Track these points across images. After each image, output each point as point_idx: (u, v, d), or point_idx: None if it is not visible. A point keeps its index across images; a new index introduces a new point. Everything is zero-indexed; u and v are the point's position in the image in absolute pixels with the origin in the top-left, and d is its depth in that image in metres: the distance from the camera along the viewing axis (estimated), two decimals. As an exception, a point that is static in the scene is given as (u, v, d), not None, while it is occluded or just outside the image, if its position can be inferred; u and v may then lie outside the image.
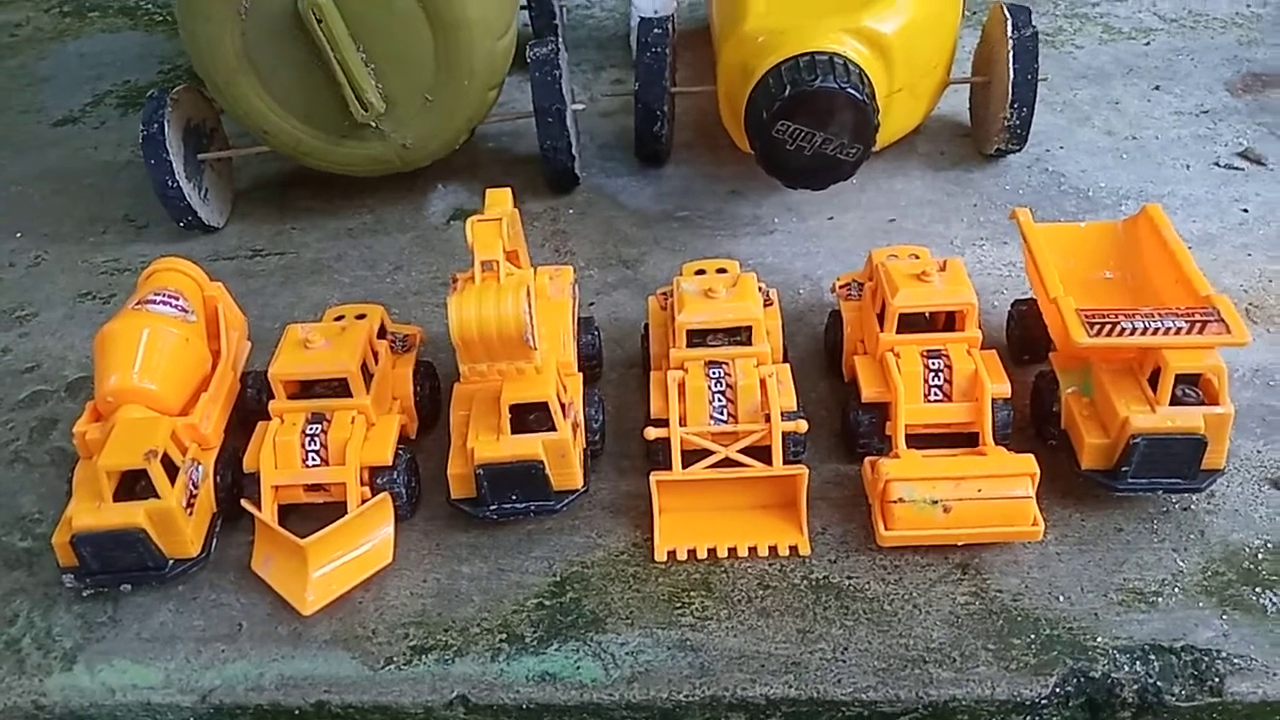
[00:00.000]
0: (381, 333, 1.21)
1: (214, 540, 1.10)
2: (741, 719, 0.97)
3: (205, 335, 1.20)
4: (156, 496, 1.03)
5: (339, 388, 1.13)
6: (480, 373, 1.11)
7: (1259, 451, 1.14)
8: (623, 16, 2.10)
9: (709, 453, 1.09)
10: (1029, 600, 1.01)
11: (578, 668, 0.99)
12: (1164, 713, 0.95)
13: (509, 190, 1.18)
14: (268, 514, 1.08)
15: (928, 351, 1.12)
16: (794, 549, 1.07)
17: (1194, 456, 1.04)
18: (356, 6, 1.34)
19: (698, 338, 1.15)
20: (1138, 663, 0.96)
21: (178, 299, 1.18)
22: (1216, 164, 1.58)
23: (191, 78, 1.67)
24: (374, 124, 1.44)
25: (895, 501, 1.03)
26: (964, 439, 1.11)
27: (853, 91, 1.29)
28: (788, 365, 1.16)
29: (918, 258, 1.21)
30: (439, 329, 1.30)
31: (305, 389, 1.14)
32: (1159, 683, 0.95)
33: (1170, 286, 1.13)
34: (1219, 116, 1.69)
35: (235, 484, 1.13)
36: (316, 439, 1.09)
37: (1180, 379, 1.03)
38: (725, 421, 1.10)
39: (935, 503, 1.03)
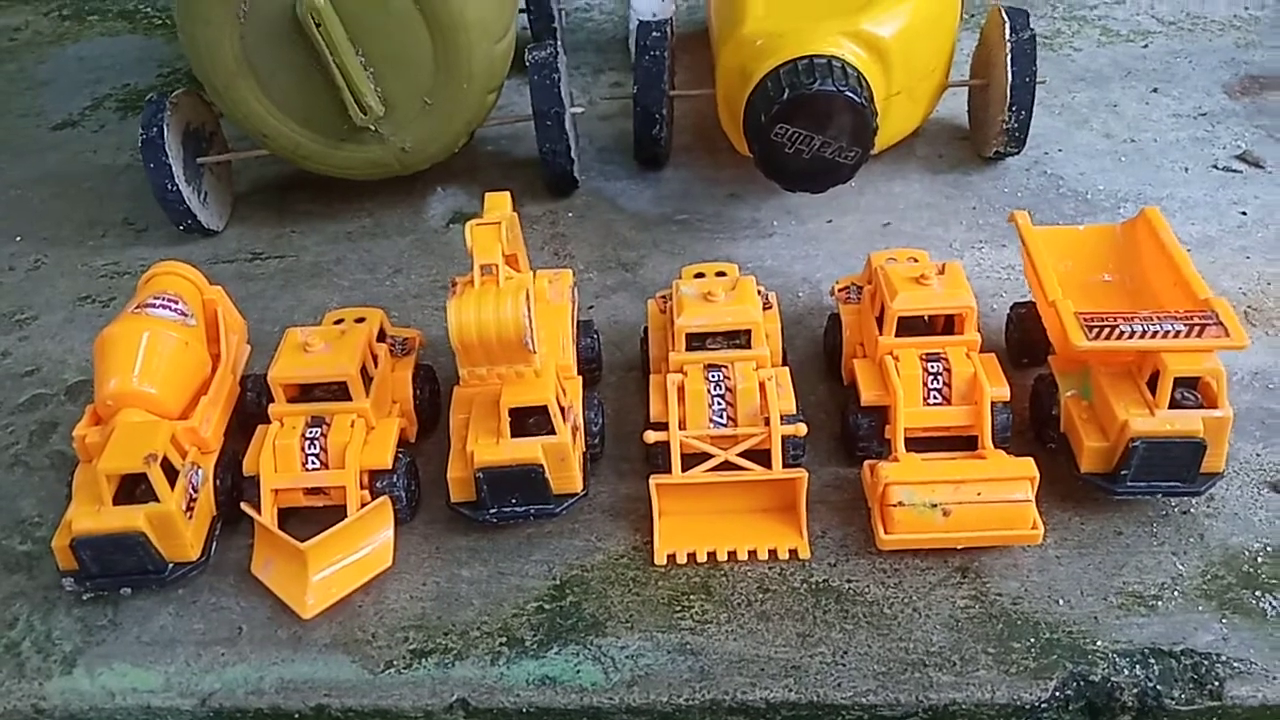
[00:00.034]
0: (381, 336, 1.21)
1: (214, 544, 1.10)
2: (741, 722, 0.97)
3: (205, 339, 1.20)
4: (156, 500, 1.03)
5: (339, 391, 1.13)
6: (480, 376, 1.11)
7: (1258, 455, 1.14)
8: (621, 19, 2.10)
9: (708, 456, 1.09)
10: (1029, 604, 1.01)
11: (578, 671, 0.99)
12: (1164, 717, 0.95)
13: (508, 194, 1.18)
14: (267, 517, 1.08)
15: (927, 355, 1.12)
16: (794, 552, 1.07)
17: (1193, 460, 1.04)
18: (355, 10, 1.34)
19: (697, 341, 1.15)
20: (1138, 666, 0.96)
21: (177, 302, 1.18)
22: (1215, 166, 1.59)
23: (191, 81, 1.67)
24: (373, 127, 1.45)
25: (895, 505, 1.03)
26: (963, 442, 1.11)
27: (851, 95, 1.29)
28: (787, 368, 1.17)
29: (916, 261, 1.21)
30: (438, 332, 1.30)
31: (305, 392, 1.14)
32: (1159, 686, 0.95)
33: (1169, 289, 1.13)
34: (1217, 119, 1.69)
35: (235, 487, 1.13)
36: (316, 442, 1.09)
37: (1179, 382, 1.03)
38: (725, 425, 1.10)
39: (935, 506, 1.03)
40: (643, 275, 1.46)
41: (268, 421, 1.13)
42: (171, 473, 1.05)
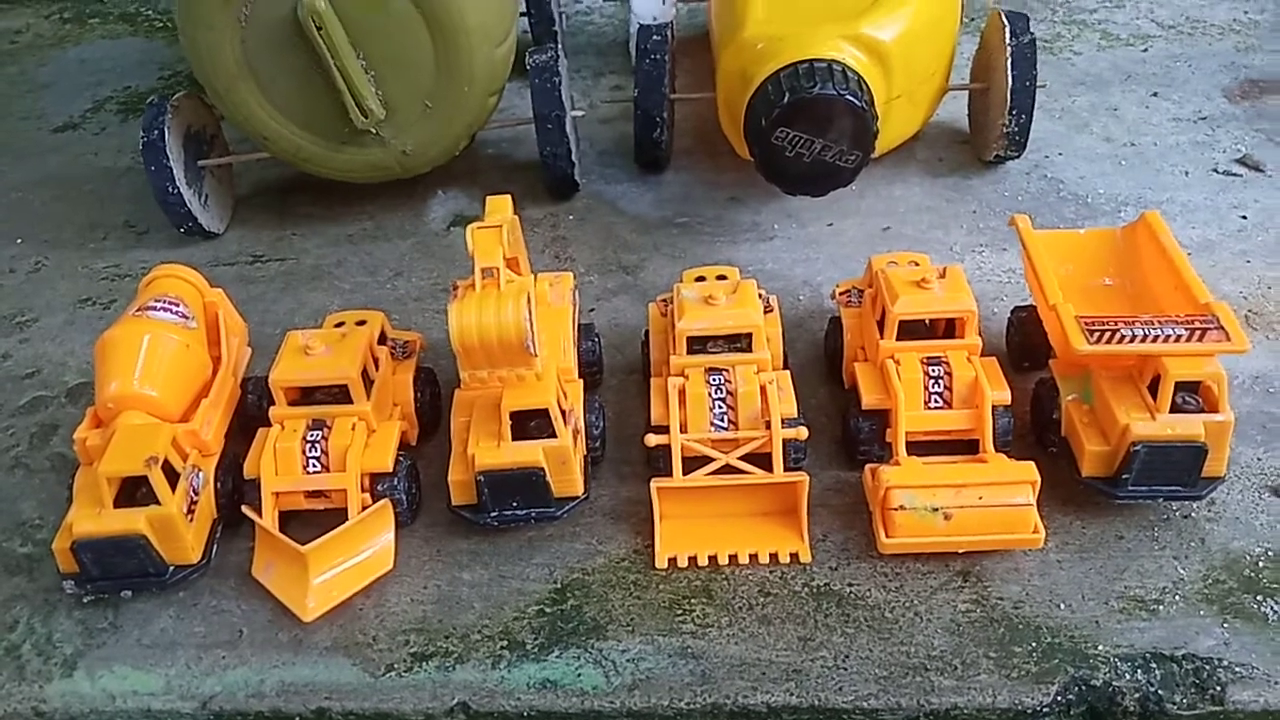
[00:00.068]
0: (382, 339, 1.21)
1: (214, 547, 1.10)
2: (742, 726, 0.97)
3: (206, 341, 1.20)
4: (157, 503, 1.03)
5: (339, 394, 1.12)
6: (481, 379, 1.11)
7: (1259, 459, 1.14)
8: (622, 23, 2.11)
9: (709, 459, 1.09)
10: (1030, 608, 1.01)
11: (579, 675, 0.99)
12: (1165, 720, 0.95)
13: (509, 197, 1.18)
14: (268, 520, 1.08)
15: (928, 358, 1.12)
16: (795, 556, 1.07)
17: (1194, 464, 1.04)
18: (356, 13, 1.34)
19: (698, 344, 1.15)
20: (1139, 671, 0.96)
21: (178, 305, 1.18)
22: (1215, 170, 1.59)
23: (192, 84, 1.67)
24: (374, 130, 1.45)
25: (896, 509, 1.03)
26: (964, 446, 1.11)
27: (851, 98, 1.29)
28: (788, 372, 1.17)
29: (917, 264, 1.21)
30: (439, 335, 1.30)
31: (306, 395, 1.14)
32: (1160, 691, 0.95)
33: (1169, 293, 1.13)
34: (1217, 123, 1.69)
35: (236, 490, 1.13)
36: (317, 445, 1.09)
37: (1180, 386, 1.03)
38: (726, 428, 1.10)
39: (936, 510, 1.03)
40: (643, 278, 1.46)
41: (269, 424, 1.13)
42: (172, 475, 1.05)
